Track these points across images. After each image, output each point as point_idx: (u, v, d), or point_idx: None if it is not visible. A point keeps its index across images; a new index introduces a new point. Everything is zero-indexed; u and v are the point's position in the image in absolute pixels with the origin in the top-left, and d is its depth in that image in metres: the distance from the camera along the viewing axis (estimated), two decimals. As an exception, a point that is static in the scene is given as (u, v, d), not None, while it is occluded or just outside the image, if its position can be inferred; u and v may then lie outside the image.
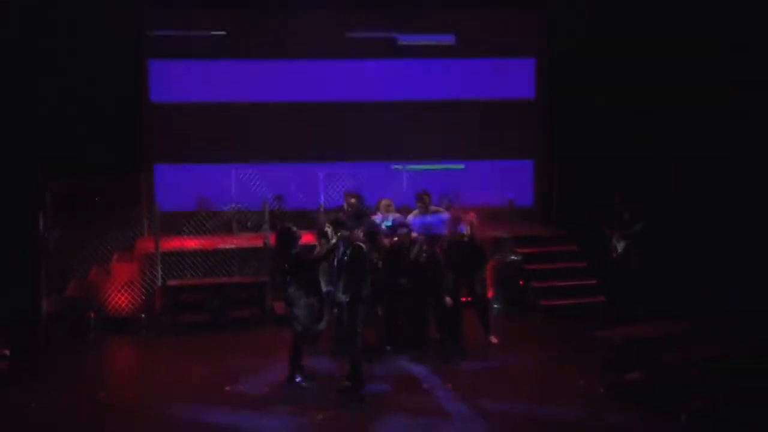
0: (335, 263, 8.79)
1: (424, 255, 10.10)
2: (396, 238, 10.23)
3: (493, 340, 10.47)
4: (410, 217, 10.92)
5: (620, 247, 11.56)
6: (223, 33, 13.67)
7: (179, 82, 13.71)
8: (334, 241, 8.85)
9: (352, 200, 11.21)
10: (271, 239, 10.48)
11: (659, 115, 12.89)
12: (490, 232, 12.23)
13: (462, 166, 14.15)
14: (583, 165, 13.34)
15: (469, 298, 10.65)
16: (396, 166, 13.94)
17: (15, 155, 12.21)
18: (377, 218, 10.67)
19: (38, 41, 12.59)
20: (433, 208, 10.97)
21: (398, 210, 11.18)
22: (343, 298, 8.65)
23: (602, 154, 13.26)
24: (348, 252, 8.63)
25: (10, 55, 12.38)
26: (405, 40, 14.13)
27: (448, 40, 14.23)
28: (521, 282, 12.38)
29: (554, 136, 14.26)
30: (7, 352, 9.22)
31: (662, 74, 12.91)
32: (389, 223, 10.69)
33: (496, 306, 11.72)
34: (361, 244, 8.78)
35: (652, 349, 8.56)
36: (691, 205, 12.05)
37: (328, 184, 13.42)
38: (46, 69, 12.63)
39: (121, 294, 11.57)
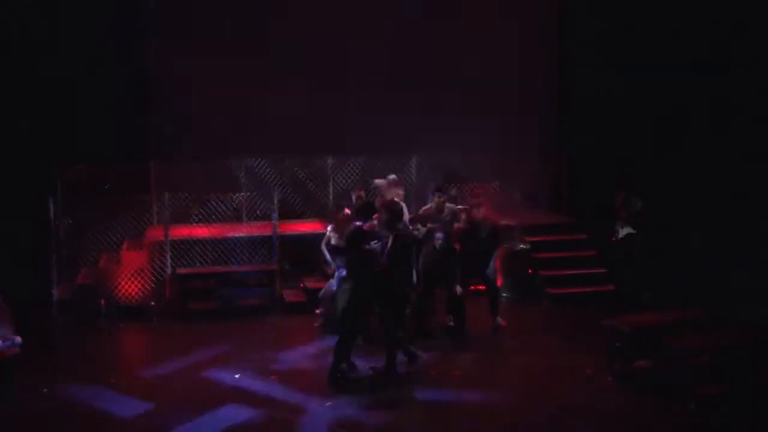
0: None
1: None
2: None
3: (502, 322, 10.50)
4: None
5: (621, 233, 11.49)
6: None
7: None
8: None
9: (361, 193, 11.18)
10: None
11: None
12: (499, 220, 12.24)
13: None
14: (594, 152, 13.34)
15: (482, 287, 10.70)
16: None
17: (26, 143, 12.26)
18: None
19: (49, 25, 12.59)
20: (447, 207, 10.70)
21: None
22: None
23: (615, 139, 13.21)
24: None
25: (20, 39, 12.41)
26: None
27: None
28: (530, 271, 12.38)
29: (564, 120, 14.23)
30: (19, 339, 9.25)
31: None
32: None
33: (504, 294, 11.71)
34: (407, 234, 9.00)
35: (661, 337, 8.55)
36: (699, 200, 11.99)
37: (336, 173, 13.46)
38: (56, 54, 12.63)
39: (131, 282, 11.63)
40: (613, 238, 11.43)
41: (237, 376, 9.01)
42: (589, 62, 13.79)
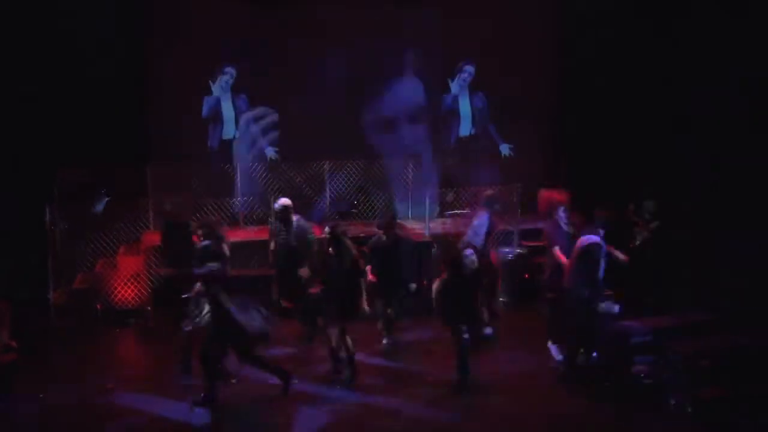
0: None
1: None
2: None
3: None
4: None
5: (639, 239, 11.51)
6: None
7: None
8: None
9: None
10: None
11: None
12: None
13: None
14: (595, 154, 13.40)
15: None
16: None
17: (23, 149, 12.22)
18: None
19: (46, 29, 12.55)
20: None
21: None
22: None
23: (616, 141, 13.23)
24: None
25: (18, 43, 12.40)
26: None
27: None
28: (527, 275, 12.34)
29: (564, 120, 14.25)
30: (15, 344, 9.22)
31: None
32: None
33: (502, 299, 11.72)
34: None
35: (661, 341, 8.57)
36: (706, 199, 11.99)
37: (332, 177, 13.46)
38: (52, 58, 12.60)
39: (127, 286, 11.58)
40: (631, 244, 11.41)
41: (233, 380, 8.98)
42: (590, 62, 13.87)
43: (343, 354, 9.10)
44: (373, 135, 14.07)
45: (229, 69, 13.86)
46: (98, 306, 11.28)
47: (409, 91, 14.65)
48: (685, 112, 12.72)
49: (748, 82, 11.77)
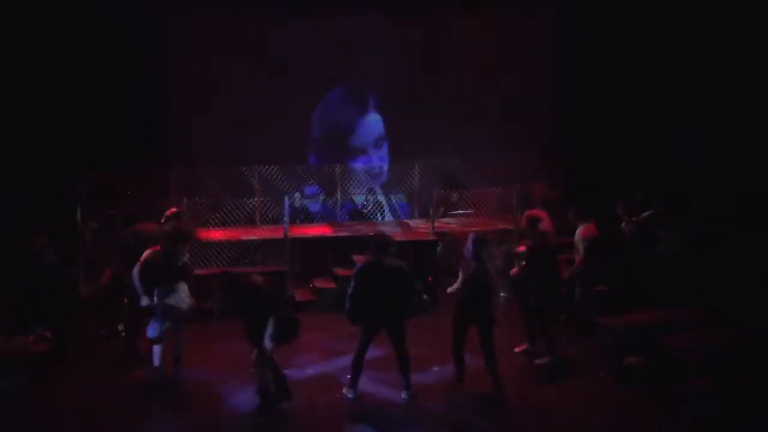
0: None
1: None
2: None
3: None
4: None
5: (627, 230, 11.52)
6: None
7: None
8: None
9: None
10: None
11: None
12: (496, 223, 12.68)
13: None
14: (595, 152, 13.68)
15: None
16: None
17: (54, 153, 12.77)
18: None
19: (72, 34, 13.09)
20: None
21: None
22: None
23: (614, 142, 13.49)
24: None
25: (43, 49, 12.92)
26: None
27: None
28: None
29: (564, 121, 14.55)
30: (49, 335, 9.76)
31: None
32: None
33: (502, 294, 12.08)
34: None
35: (652, 335, 8.82)
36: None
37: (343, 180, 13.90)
38: (79, 63, 13.13)
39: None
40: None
41: (252, 371, 9.45)
42: (590, 62, 14.14)
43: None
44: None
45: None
46: (125, 300, 11.77)
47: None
48: (685, 111, 12.90)
49: (748, 82, 11.99)
